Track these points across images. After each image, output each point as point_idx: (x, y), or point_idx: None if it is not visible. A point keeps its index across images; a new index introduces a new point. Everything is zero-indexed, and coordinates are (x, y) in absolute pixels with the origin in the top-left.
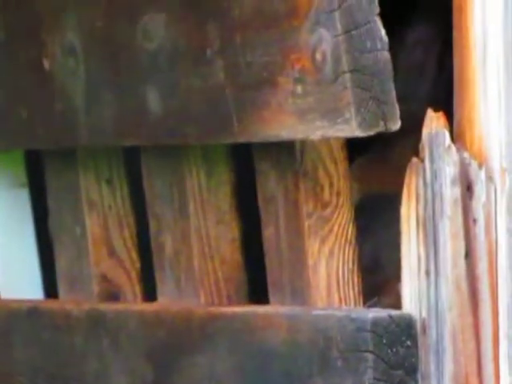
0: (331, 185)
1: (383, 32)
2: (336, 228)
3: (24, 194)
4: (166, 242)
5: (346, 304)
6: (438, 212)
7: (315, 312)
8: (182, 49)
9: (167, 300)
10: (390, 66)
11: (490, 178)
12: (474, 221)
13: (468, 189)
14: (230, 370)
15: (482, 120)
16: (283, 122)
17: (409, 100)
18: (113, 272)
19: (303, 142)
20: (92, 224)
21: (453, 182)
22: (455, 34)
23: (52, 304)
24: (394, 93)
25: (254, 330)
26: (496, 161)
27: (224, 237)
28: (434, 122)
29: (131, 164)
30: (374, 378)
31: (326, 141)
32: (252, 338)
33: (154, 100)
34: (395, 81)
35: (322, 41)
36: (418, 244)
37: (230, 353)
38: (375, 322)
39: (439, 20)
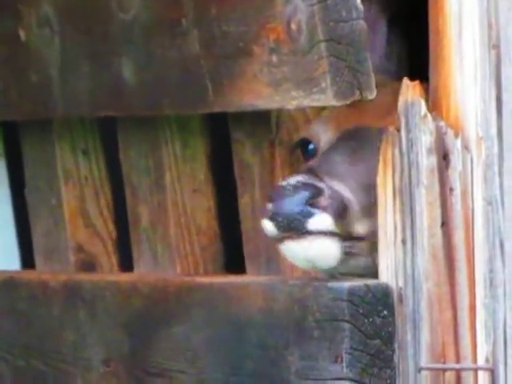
0: None
1: (358, 1)
2: None
3: (1, 164)
4: (142, 212)
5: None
6: (414, 181)
7: (291, 281)
8: (157, 19)
9: (143, 270)
10: (365, 36)
11: (466, 148)
12: (451, 190)
13: (444, 158)
14: (207, 340)
15: (458, 89)
16: (259, 92)
17: None
18: (89, 242)
19: (279, 112)
20: (68, 195)
21: (429, 151)
22: (431, 3)
23: (28, 275)
24: (369, 62)
25: (231, 300)
26: (472, 130)
27: (200, 206)
28: (409, 91)
29: (107, 135)
30: (351, 348)
31: (301, 110)
32: (228, 307)
33: (129, 71)
34: None
35: (297, 10)
36: (395, 213)
37: (206, 322)
38: (351, 292)
39: None
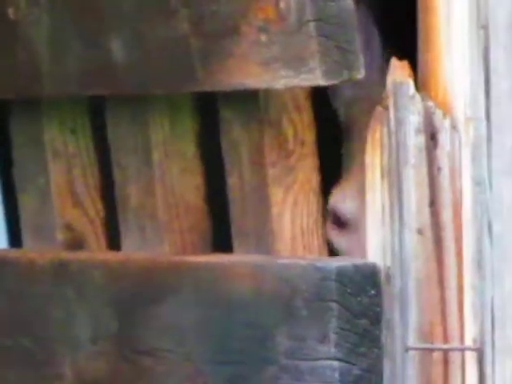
0: (296, 134)
1: None
2: (300, 177)
3: None
4: (130, 191)
5: (310, 253)
6: (403, 161)
7: (280, 261)
8: None
9: (132, 249)
10: (353, 15)
11: (454, 127)
12: (439, 169)
13: (432, 138)
14: (195, 319)
15: (447, 69)
16: (247, 71)
17: None
18: (77, 221)
19: (267, 91)
20: (56, 173)
21: (417, 131)
22: None
23: (16, 253)
24: (357, 42)
25: (219, 279)
26: (460, 110)
27: (188, 185)
28: (398, 71)
29: (96, 114)
30: (339, 327)
31: (290, 90)
32: (216, 286)
33: (118, 49)
34: None
35: None
36: (383, 193)
37: (194, 301)
38: (340, 272)
39: None
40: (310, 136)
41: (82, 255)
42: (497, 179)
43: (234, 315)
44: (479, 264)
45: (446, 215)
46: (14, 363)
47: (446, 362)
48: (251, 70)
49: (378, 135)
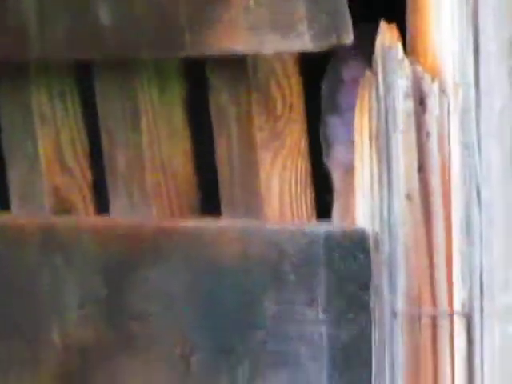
0: (284, 98)
1: None
2: (288, 141)
3: None
4: (118, 156)
5: (298, 218)
6: (391, 126)
7: (268, 226)
8: None
9: (120, 215)
10: None
11: (443, 92)
12: (427, 134)
13: (421, 102)
14: (183, 284)
15: (435, 33)
16: (236, 37)
17: None
18: (65, 187)
19: (256, 57)
20: (44, 139)
21: (406, 96)
22: None
23: (3, 218)
24: (346, 6)
25: (207, 244)
26: (449, 74)
27: (176, 150)
28: (386, 35)
29: (84, 79)
30: (327, 292)
31: (278, 55)
32: (204, 252)
33: (106, 13)
34: None
35: None
36: (371, 158)
37: (182, 266)
38: (328, 237)
39: None
40: (298, 101)
41: (70, 220)
42: (485, 143)
43: (221, 280)
44: (467, 229)
45: (435, 180)
46: (1, 329)
47: (434, 327)
48: (239, 35)
49: (366, 100)
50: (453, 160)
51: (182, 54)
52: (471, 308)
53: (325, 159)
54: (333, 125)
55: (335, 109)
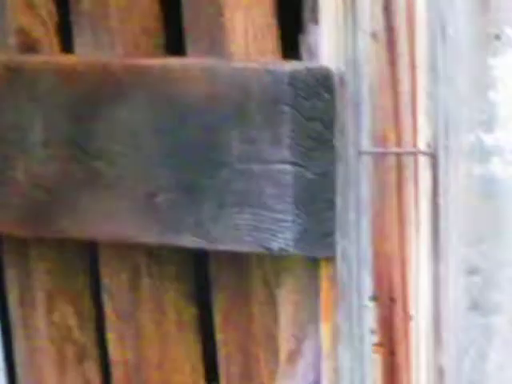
0: None
1: None
2: None
3: None
4: None
5: (264, 57)
6: None
7: (233, 64)
8: None
9: (84, 52)
10: None
11: None
12: None
13: None
14: (148, 123)
15: None
16: None
17: None
18: (30, 25)
19: None
20: None
21: None
22: None
23: None
24: None
25: (172, 83)
26: None
27: None
28: None
29: None
30: (292, 131)
31: None
32: (169, 90)
33: None
34: None
35: None
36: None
37: (147, 106)
38: (293, 75)
39: None
40: None
41: (35, 59)
42: None
43: (186, 119)
44: (432, 67)
45: (400, 19)
46: None
47: (399, 166)
48: None
49: None
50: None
51: None
52: (436, 147)
53: None
54: None
55: None
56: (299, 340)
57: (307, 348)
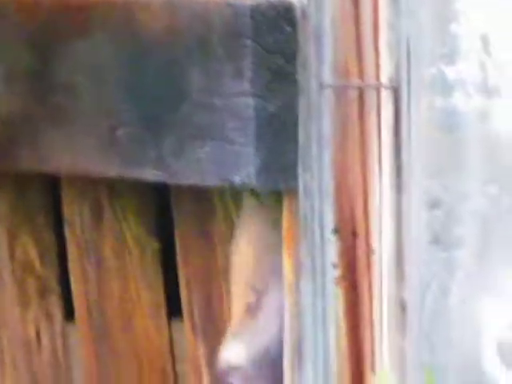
0: None
1: None
2: None
3: None
4: None
5: None
6: None
7: None
8: None
9: None
10: None
11: None
12: None
13: None
14: (110, 57)
15: None
16: None
17: None
18: None
19: None
20: None
21: None
22: None
23: None
24: None
25: (134, 16)
26: None
27: None
28: None
29: None
30: (253, 64)
31: None
32: (131, 24)
33: None
34: None
35: None
36: None
37: (109, 40)
38: (254, 8)
39: None
40: None
41: None
42: None
43: (148, 53)
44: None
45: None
46: None
47: (361, 99)
48: None
49: None
50: None
51: None
52: (398, 80)
53: None
54: None
55: None
56: (261, 276)
57: (270, 284)
